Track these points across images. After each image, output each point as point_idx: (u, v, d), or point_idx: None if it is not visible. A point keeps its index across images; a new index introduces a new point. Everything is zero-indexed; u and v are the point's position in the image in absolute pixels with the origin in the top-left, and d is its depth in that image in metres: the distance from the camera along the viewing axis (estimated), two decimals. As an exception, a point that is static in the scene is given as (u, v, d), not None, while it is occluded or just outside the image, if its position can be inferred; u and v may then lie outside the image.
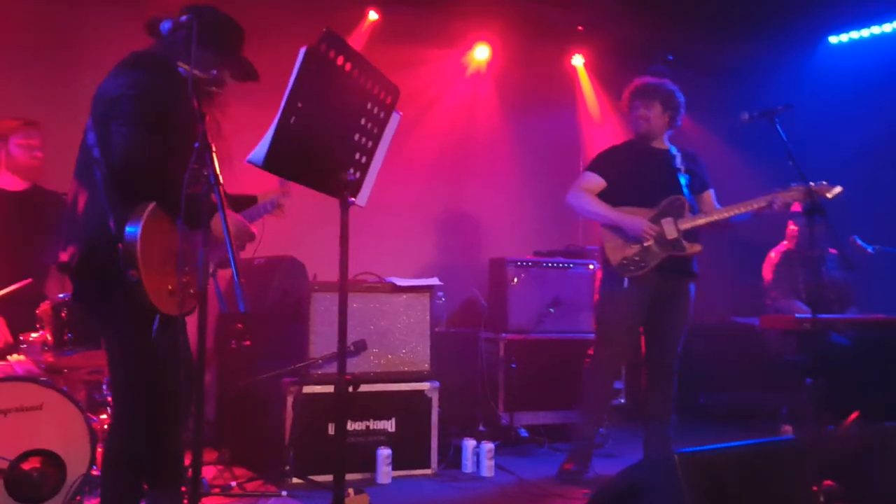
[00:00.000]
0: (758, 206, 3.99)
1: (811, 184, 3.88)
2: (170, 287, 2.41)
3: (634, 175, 4.14)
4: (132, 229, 2.35)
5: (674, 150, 4.23)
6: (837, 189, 3.84)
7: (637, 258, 4.02)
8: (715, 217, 4.07)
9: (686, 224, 4.04)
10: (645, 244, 4.01)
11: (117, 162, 2.36)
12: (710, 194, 4.28)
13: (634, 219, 4.04)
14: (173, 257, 2.42)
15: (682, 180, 4.16)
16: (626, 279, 4.02)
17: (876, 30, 6.45)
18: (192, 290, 2.51)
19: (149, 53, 2.54)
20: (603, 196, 4.16)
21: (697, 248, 4.07)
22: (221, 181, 2.04)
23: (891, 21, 6.34)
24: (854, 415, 4.12)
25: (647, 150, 4.21)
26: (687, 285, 4.14)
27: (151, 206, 2.39)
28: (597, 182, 4.20)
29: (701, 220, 4.07)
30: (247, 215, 2.86)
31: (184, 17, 2.25)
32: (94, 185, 2.47)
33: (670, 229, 4.03)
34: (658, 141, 4.22)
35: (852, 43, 6.62)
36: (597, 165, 4.26)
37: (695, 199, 4.17)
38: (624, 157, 4.24)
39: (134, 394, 2.56)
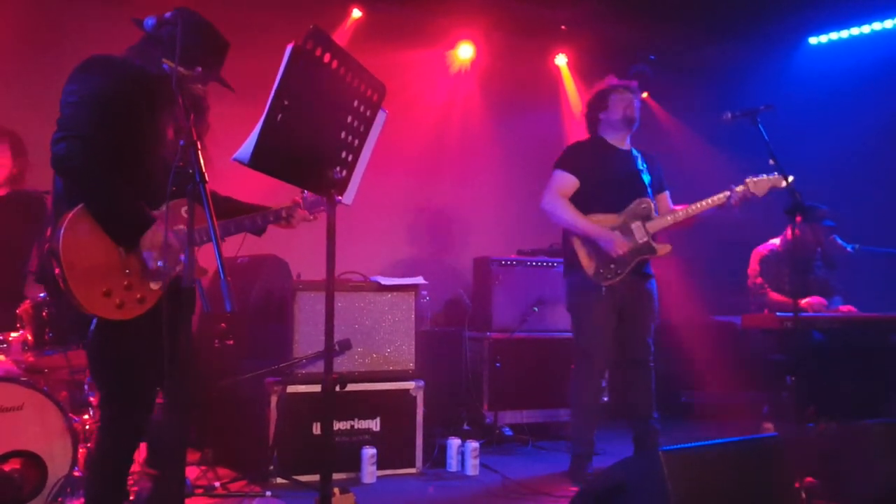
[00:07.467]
0: (716, 201, 4.04)
1: (751, 177, 3.97)
2: (104, 289, 2.36)
3: (602, 176, 4.13)
4: (56, 232, 2.34)
5: (635, 152, 4.26)
6: (783, 181, 3.83)
7: (612, 266, 4.02)
8: (681, 217, 4.10)
9: (655, 227, 4.08)
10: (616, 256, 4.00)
11: (52, 165, 2.37)
12: (666, 196, 4.32)
13: (608, 234, 4.01)
14: (114, 260, 2.38)
15: (646, 180, 4.19)
16: (603, 287, 4.01)
17: (855, 31, 6.52)
18: (138, 296, 2.41)
19: (104, 57, 2.50)
20: (574, 197, 4.13)
21: (668, 248, 4.11)
22: (207, 179, 2.02)
23: (870, 22, 6.41)
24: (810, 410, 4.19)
25: (612, 150, 4.20)
26: (649, 284, 4.18)
27: (77, 209, 2.35)
28: (570, 182, 4.15)
29: (668, 222, 4.10)
30: (250, 221, 2.77)
31: (168, 14, 2.24)
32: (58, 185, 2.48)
33: (640, 233, 4.06)
34: (621, 141, 4.22)
35: (832, 44, 6.69)
36: (568, 163, 4.19)
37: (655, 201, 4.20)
38: (591, 155, 4.20)
39: (108, 392, 2.53)
